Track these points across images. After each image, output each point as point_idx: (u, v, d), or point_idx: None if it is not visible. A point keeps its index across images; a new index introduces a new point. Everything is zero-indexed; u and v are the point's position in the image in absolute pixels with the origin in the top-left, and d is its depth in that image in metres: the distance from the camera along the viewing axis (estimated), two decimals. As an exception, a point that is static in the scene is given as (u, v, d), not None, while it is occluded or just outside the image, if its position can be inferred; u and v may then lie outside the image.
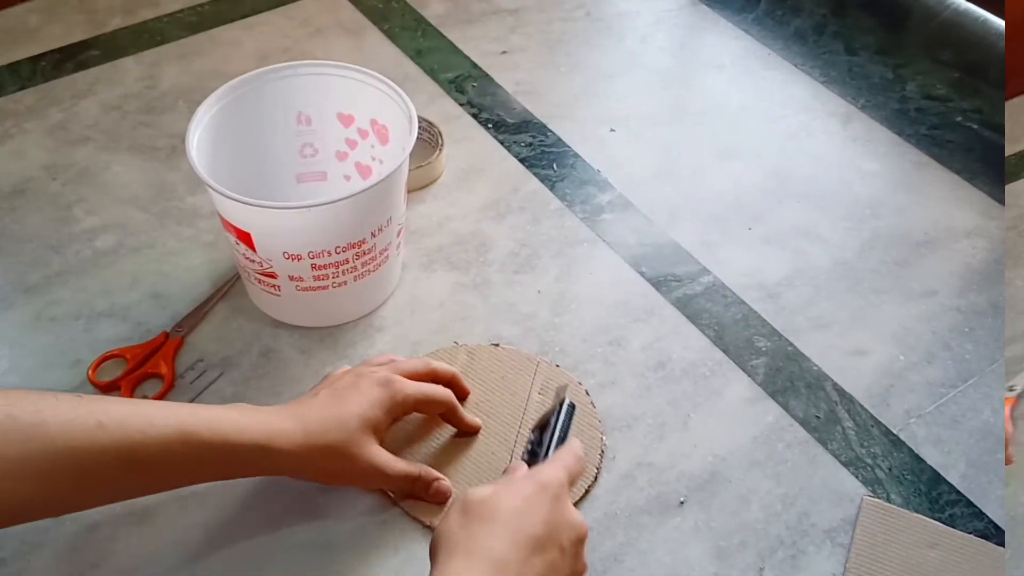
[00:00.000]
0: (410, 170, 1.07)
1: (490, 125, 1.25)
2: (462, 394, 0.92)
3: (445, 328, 1.00)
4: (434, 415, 0.90)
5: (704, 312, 1.03)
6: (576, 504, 0.85)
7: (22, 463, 0.66)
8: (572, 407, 0.81)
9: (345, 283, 0.95)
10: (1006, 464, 0.91)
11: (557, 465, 0.74)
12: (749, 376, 0.97)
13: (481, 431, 0.91)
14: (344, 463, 0.79)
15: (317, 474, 0.80)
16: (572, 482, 0.74)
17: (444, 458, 0.89)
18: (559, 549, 0.69)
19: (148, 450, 0.70)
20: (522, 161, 1.19)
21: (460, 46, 1.38)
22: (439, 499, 0.85)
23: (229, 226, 0.91)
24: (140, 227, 1.10)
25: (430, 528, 0.83)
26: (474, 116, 1.26)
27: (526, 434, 0.89)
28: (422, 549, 0.81)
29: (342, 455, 0.78)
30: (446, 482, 0.85)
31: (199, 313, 1.00)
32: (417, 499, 0.85)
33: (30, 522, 0.73)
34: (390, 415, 0.81)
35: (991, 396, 0.96)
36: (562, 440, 0.79)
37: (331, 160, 1.07)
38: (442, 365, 0.91)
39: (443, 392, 0.87)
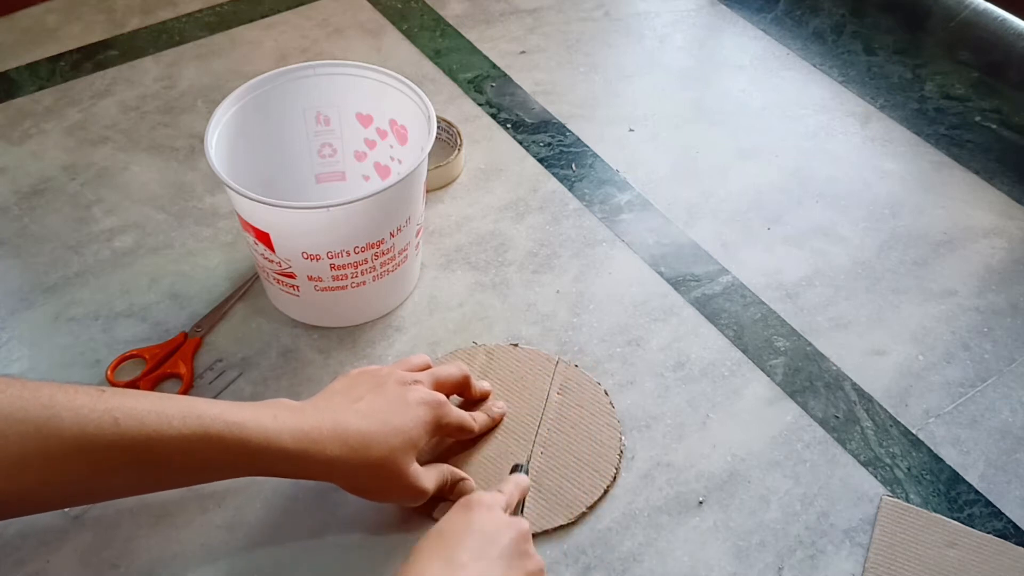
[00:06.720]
0: (429, 170, 1.08)
1: (509, 125, 1.25)
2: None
3: (464, 328, 1.01)
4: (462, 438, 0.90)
5: (723, 312, 1.02)
6: (594, 505, 0.85)
7: (31, 454, 0.65)
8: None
9: (364, 283, 0.95)
10: None
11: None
12: (768, 376, 0.97)
13: (500, 430, 0.91)
14: (382, 481, 0.78)
15: (350, 486, 0.78)
16: (510, 505, 0.79)
17: (464, 457, 0.89)
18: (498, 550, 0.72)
19: (164, 450, 0.69)
20: (541, 161, 1.19)
21: (479, 46, 1.38)
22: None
23: (248, 226, 0.91)
24: (159, 227, 1.10)
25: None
26: (493, 116, 1.26)
27: (545, 434, 0.89)
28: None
29: (381, 472, 0.77)
30: (470, 482, 0.85)
31: (218, 313, 1.00)
32: (439, 499, 0.85)
33: (40, 512, 0.73)
34: (432, 436, 0.81)
35: (1010, 396, 0.96)
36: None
37: (350, 160, 1.07)
38: (483, 384, 0.93)
39: (479, 425, 0.88)
